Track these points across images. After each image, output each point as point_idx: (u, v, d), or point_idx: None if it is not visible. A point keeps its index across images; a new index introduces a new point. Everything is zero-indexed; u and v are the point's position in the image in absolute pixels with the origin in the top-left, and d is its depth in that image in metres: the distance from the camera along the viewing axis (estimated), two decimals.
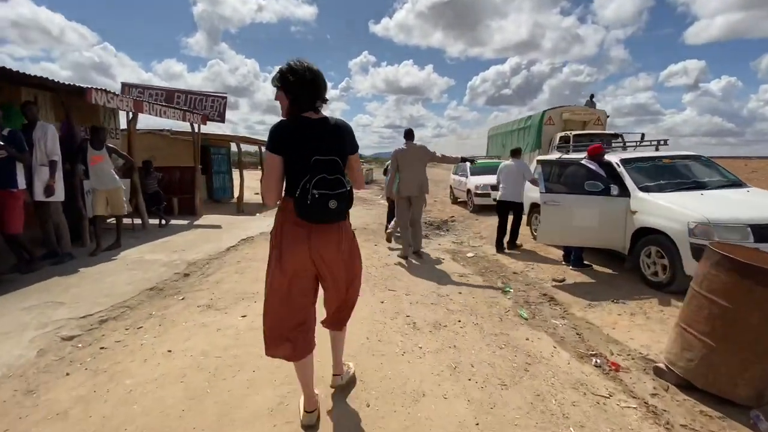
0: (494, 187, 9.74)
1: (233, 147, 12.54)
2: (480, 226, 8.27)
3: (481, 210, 9.74)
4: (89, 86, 5.08)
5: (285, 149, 1.61)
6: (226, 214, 9.19)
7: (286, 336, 1.75)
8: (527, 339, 3.02)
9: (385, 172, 8.78)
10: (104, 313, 3.18)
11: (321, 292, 1.90)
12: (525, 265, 5.23)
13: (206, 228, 6.93)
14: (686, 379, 2.23)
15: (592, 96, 12.19)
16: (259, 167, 15.39)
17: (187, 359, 2.51)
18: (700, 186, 4.39)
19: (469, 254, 5.79)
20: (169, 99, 8.50)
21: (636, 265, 4.21)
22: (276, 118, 1.73)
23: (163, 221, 6.86)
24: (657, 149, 5.40)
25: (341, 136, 1.70)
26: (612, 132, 9.97)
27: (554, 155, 6.38)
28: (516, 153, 6.03)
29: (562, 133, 10.08)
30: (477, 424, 1.95)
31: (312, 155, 1.58)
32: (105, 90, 5.44)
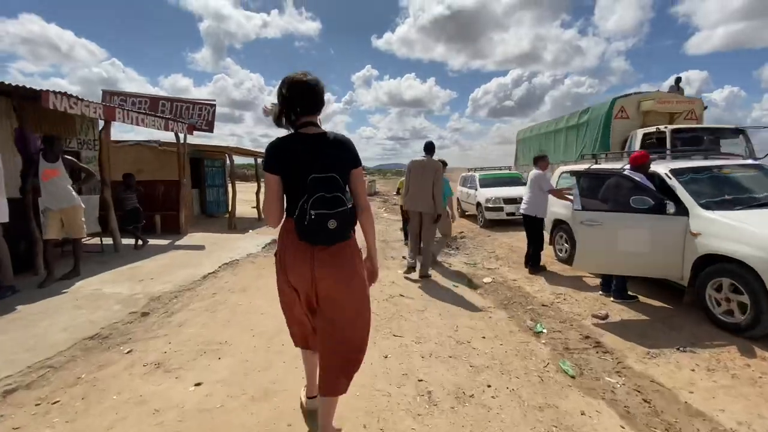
0: (507, 200, 9.06)
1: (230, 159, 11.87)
2: (493, 244, 7.47)
3: (492, 225, 8.94)
4: (46, 89, 4.38)
5: (281, 168, 1.56)
6: (216, 232, 8.44)
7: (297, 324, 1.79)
8: (583, 413, 2.21)
9: (398, 192, 8.50)
10: (15, 378, 2.38)
11: None
12: (554, 293, 4.42)
13: (187, 249, 6.16)
14: None
15: (678, 80, 8.42)
16: (255, 180, 14.75)
17: None
18: None
19: (486, 279, 4.99)
20: (154, 107, 7.84)
21: (699, 299, 3.39)
22: (280, 132, 1.66)
23: (140, 242, 6.11)
24: (705, 158, 4.60)
25: (340, 152, 1.60)
26: (731, 126, 6.68)
27: (580, 165, 5.61)
28: (539, 161, 5.26)
29: (646, 130, 7.07)
30: None
31: (308, 173, 1.50)
32: (66, 94, 4.75)
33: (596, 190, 4.04)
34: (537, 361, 2.85)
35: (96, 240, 5.65)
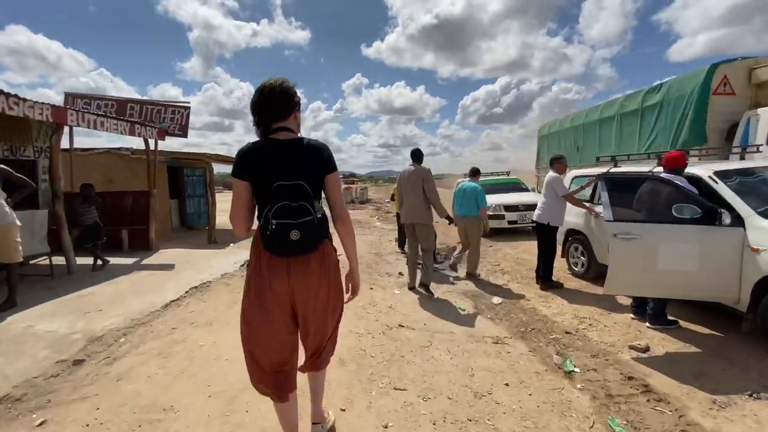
0: (507, 208, 8.49)
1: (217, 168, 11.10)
2: (496, 255, 6.86)
3: (493, 234, 8.33)
4: None
5: (249, 174, 1.50)
6: (193, 247, 7.68)
7: (266, 373, 1.62)
8: None
9: (392, 198, 8.34)
10: None
11: None
12: (576, 317, 3.81)
13: (154, 270, 5.40)
14: None
15: None
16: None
17: None
18: None
19: (495, 300, 4.36)
20: (121, 110, 7.10)
21: (764, 329, 2.79)
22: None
23: (99, 262, 5.34)
24: (742, 157, 4.04)
25: (312, 158, 1.53)
26: None
27: (592, 170, 5.03)
28: (556, 162, 4.66)
29: None
30: None
31: (274, 180, 1.44)
32: (6, 93, 4.04)
33: (626, 197, 3.45)
34: (578, 417, 2.22)
35: (47, 261, 4.88)
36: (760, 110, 5.05)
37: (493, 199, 8.48)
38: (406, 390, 2.40)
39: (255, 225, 1.59)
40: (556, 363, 2.91)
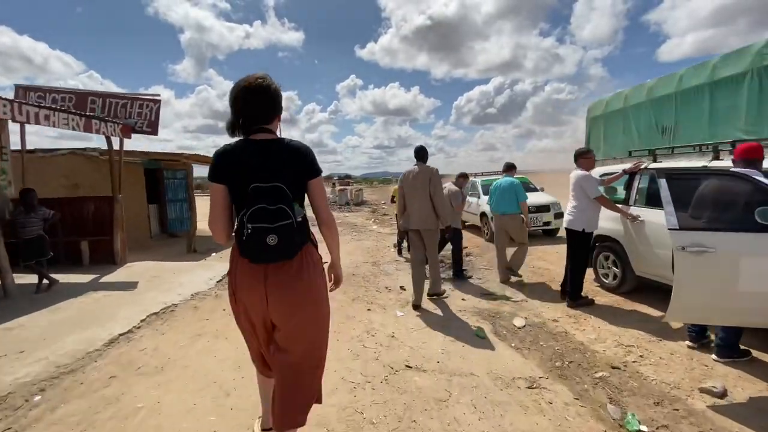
0: None
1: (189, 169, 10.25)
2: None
3: None
4: None
5: (226, 176, 1.42)
6: (170, 257, 6.88)
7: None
8: None
9: (393, 200, 7.86)
10: None
11: None
12: (619, 344, 3.12)
13: (112, 290, 4.56)
14: None
15: None
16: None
17: None
18: None
19: (517, 321, 3.63)
20: (81, 104, 6.25)
21: None
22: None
23: (45, 282, 4.51)
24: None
25: (292, 160, 1.44)
26: None
27: (616, 165, 4.30)
28: (581, 157, 3.94)
29: None
30: None
31: (250, 182, 1.36)
32: None
33: (686, 198, 2.73)
34: None
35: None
36: None
37: None
38: None
39: None
40: (614, 418, 2.20)
